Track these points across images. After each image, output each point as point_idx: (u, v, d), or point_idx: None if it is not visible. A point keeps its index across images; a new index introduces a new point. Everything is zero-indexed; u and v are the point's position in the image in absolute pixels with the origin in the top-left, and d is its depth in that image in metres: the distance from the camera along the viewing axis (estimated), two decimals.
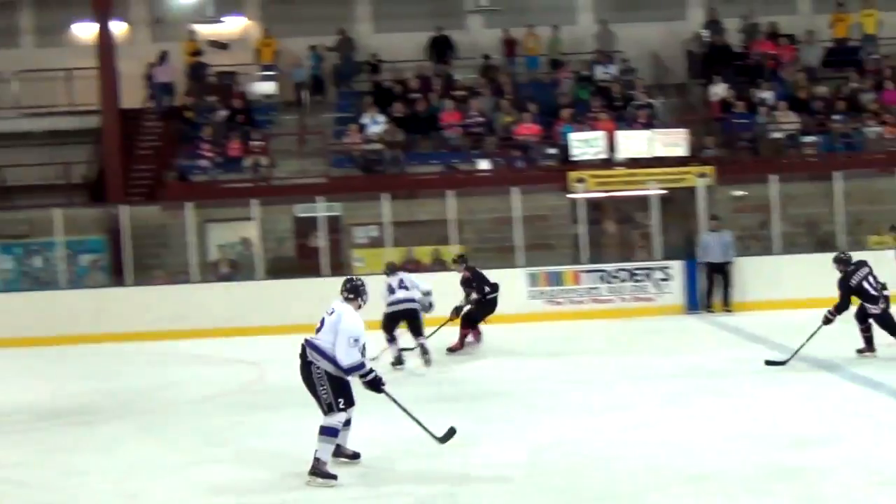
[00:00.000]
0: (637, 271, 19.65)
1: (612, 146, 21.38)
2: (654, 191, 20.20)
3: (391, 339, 14.69)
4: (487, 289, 15.91)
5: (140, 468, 9.61)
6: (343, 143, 22.75)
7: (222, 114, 23.36)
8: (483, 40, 25.63)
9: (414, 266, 20.18)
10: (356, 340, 8.78)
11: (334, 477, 8.67)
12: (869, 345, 13.34)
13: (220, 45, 25.10)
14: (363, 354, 8.92)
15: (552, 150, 22.10)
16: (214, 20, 25.17)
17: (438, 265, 20.33)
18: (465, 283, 15.93)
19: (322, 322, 8.99)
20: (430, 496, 8.20)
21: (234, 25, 25.99)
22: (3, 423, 12.17)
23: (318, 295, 18.23)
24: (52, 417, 12.32)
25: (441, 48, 25.38)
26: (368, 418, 9.63)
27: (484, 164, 22.12)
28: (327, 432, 8.74)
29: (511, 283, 19.27)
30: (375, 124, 22.61)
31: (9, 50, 25.47)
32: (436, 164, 22.32)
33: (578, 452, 9.29)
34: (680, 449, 9.24)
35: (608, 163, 21.26)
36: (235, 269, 20.85)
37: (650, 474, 8.45)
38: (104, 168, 23.11)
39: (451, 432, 9.34)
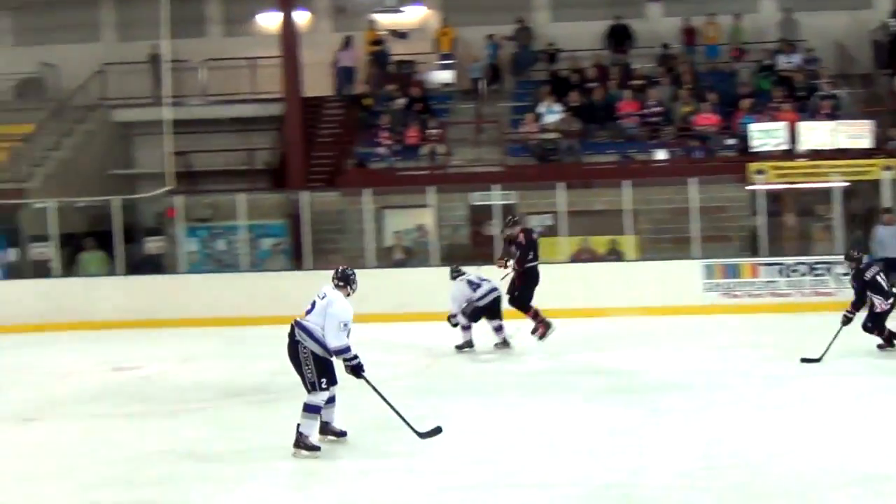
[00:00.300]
0: (817, 265, 19.17)
1: (793, 137, 20.90)
2: (836, 183, 19.68)
3: (468, 327, 15.31)
4: (531, 255, 15.11)
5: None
6: (519, 132, 22.80)
7: (401, 102, 23.66)
8: (662, 29, 25.36)
9: (589, 256, 20.14)
10: (345, 325, 9.45)
11: (318, 448, 9.46)
12: (889, 342, 13.74)
13: (399, 35, 25.42)
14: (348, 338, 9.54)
15: (731, 141, 21.73)
16: (395, 10, 25.49)
17: (614, 255, 20.24)
18: (509, 242, 15.49)
19: (313, 305, 9.64)
20: (605, 486, 8.20)
21: (413, 15, 26.28)
22: (187, 400, 12.60)
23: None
24: (232, 396, 12.69)
25: (619, 37, 25.19)
26: (534, 408, 9.65)
27: (661, 155, 21.90)
28: (310, 409, 9.52)
29: (687, 274, 19.06)
30: (552, 113, 22.60)
31: (197, 39, 26.25)
32: (612, 154, 22.18)
33: (755, 448, 9.15)
34: (859, 448, 9.02)
35: (789, 154, 20.79)
36: (410, 255, 21.09)
37: (827, 472, 8.28)
38: (286, 154, 23.64)
39: (437, 430, 9.65)
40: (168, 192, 22.05)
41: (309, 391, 9.56)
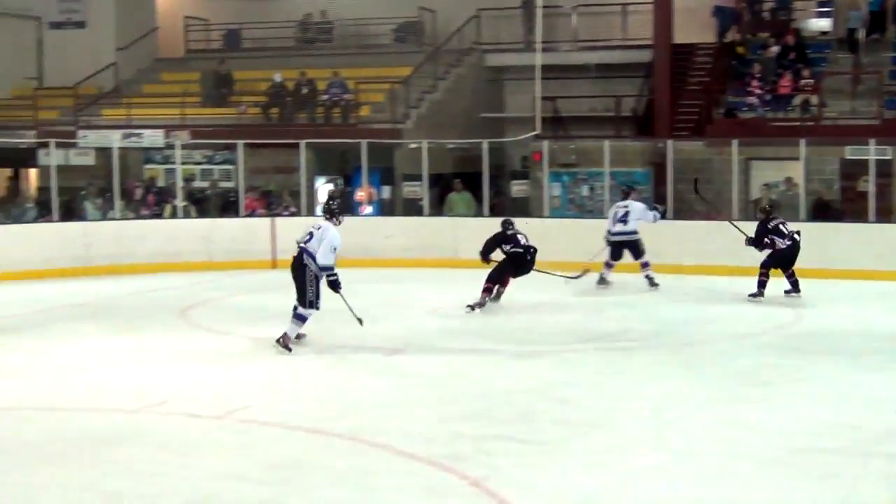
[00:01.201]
0: None
1: None
2: None
3: (609, 265, 16.93)
4: (507, 247, 15.33)
5: (673, 399, 9.81)
6: None
7: (774, 50, 22.94)
8: None
9: None
10: (335, 249, 11.83)
11: (290, 349, 11.72)
12: (762, 288, 15.59)
13: None
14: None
15: None
16: None
17: None
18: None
19: (311, 235, 11.94)
20: None
21: None
22: (546, 342, 12.84)
23: (862, 240, 17.75)
24: (588, 340, 12.84)
25: None
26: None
27: None
28: (300, 318, 11.88)
29: None
30: None
31: None
32: None
33: None
34: None
35: None
36: (777, 208, 20.48)
37: None
38: (653, 102, 23.46)
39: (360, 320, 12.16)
40: (535, 137, 22.41)
41: (304, 306, 11.82)
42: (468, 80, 26.08)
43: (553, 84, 23.66)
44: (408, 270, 19.10)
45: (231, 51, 28.02)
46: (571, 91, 24.93)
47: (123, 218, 20.82)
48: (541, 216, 21.12)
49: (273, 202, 22.00)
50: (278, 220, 20.57)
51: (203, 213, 21.77)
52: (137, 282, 17.99)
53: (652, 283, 16.79)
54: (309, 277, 11.81)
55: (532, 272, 15.46)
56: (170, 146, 22.81)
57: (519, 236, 15.46)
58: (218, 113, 24.91)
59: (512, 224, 15.60)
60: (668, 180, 19.94)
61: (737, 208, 19.84)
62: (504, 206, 22.15)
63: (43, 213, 20.90)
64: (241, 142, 21.30)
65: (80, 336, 13.18)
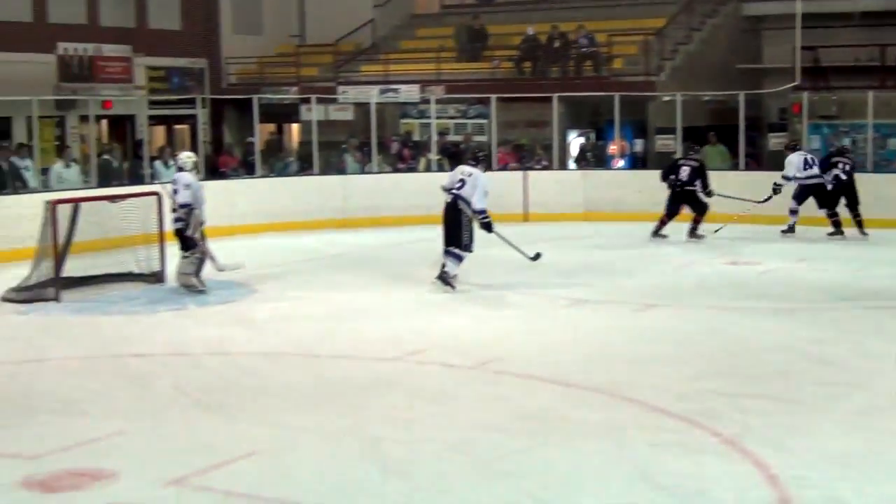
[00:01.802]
0: None
1: None
2: None
3: (794, 211, 17.02)
4: (672, 176, 16.69)
5: None
6: None
7: None
8: None
9: None
10: (486, 193, 12.58)
11: (454, 287, 12.57)
12: (838, 228, 16.79)
13: None
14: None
15: None
16: None
17: None
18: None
19: (462, 182, 12.66)
20: None
21: None
22: (803, 299, 12.51)
23: None
24: (851, 299, 12.44)
25: None
26: None
27: None
28: (457, 258, 12.66)
29: None
30: None
31: None
32: None
33: None
34: None
35: None
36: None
37: None
38: None
39: (538, 255, 13.20)
40: (794, 88, 21.76)
41: (460, 248, 12.59)
42: (724, 30, 25.43)
43: (814, 33, 22.90)
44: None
45: (485, 5, 28.19)
46: (833, 40, 24.00)
47: (380, 171, 21.32)
48: None
49: (525, 156, 22.10)
50: (531, 173, 20.64)
51: (456, 166, 22.04)
52: (393, 234, 18.42)
53: (836, 233, 16.94)
54: (465, 221, 12.65)
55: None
56: (425, 101, 23.20)
57: (683, 168, 16.46)
58: (472, 67, 25.13)
59: (691, 150, 17.18)
60: None
61: None
62: (761, 160, 21.64)
63: (304, 166, 21.62)
64: (494, 96, 21.45)
65: (339, 286, 13.63)
